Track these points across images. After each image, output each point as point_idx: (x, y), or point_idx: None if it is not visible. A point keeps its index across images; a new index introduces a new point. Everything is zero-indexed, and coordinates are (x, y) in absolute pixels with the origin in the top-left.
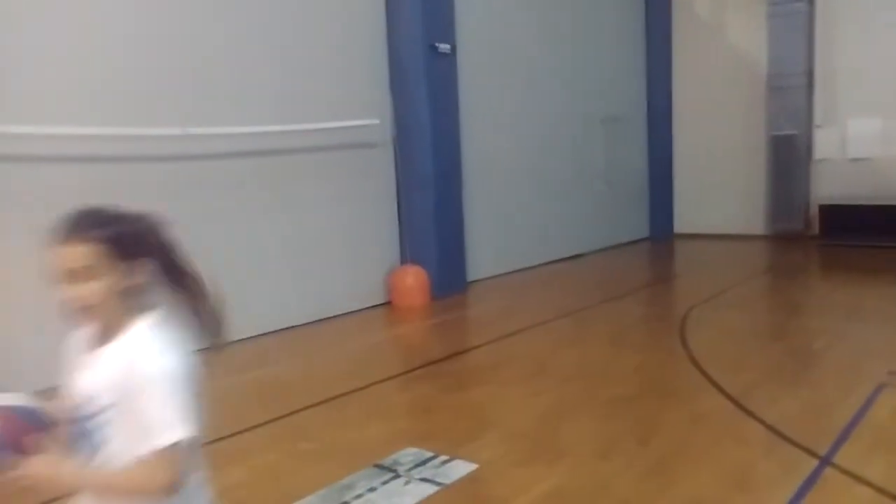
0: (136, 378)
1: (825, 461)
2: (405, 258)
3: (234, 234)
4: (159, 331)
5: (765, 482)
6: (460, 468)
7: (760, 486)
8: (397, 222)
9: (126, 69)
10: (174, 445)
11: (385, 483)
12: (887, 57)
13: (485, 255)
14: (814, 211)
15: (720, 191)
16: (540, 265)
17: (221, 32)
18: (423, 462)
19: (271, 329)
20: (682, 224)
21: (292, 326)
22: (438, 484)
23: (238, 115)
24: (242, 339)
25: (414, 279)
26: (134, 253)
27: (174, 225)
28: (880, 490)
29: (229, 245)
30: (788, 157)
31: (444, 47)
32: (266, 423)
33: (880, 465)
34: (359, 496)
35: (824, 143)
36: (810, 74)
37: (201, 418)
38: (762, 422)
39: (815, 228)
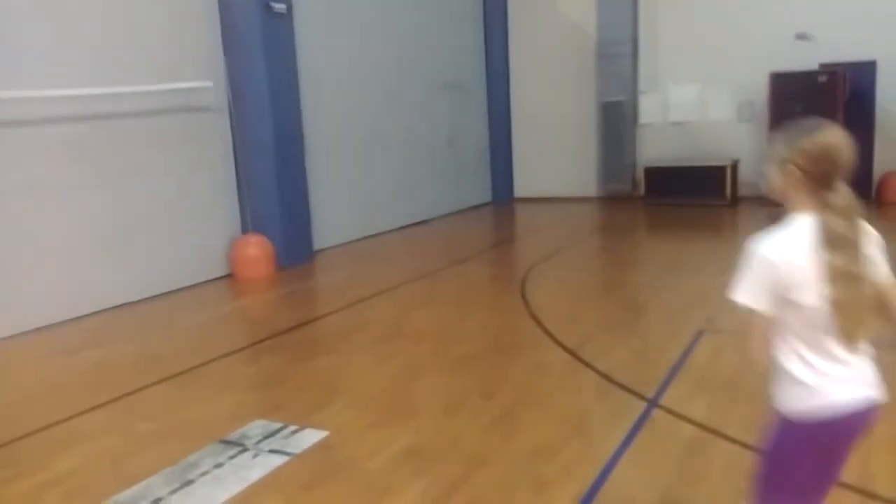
0: None
1: (653, 403)
2: (246, 227)
3: (55, 208)
4: None
5: (600, 425)
6: (311, 436)
7: (596, 430)
8: (236, 190)
9: None
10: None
11: (232, 458)
12: (704, 27)
13: (331, 223)
14: (640, 173)
15: (556, 155)
16: (387, 232)
17: None
18: (272, 434)
19: (104, 307)
20: (521, 188)
21: (127, 303)
22: (288, 454)
23: (53, 77)
24: (73, 319)
25: (257, 249)
26: None
27: None
28: (702, 427)
29: (51, 219)
30: (617, 122)
31: (279, 7)
32: (101, 405)
33: (701, 405)
34: (205, 473)
35: (648, 109)
36: (635, 43)
37: None
38: (596, 370)
39: (642, 189)
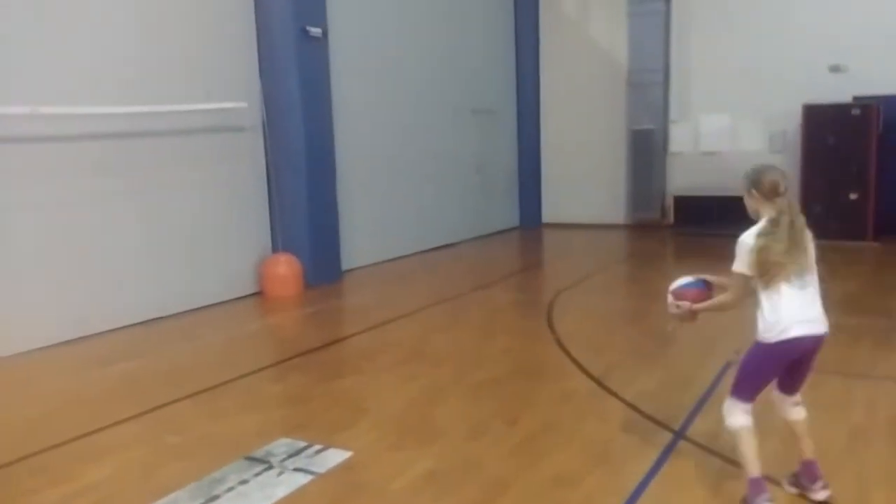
0: None
1: (679, 435)
2: (277, 246)
3: (92, 222)
4: None
5: (624, 456)
6: (335, 456)
7: (621, 460)
8: (268, 209)
9: None
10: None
11: (257, 475)
12: (737, 57)
13: (359, 244)
14: (669, 201)
15: (585, 182)
16: (414, 254)
17: (80, 9)
18: (297, 452)
19: (136, 321)
20: (549, 214)
21: (159, 318)
22: (312, 473)
23: (95, 95)
24: (106, 331)
25: (286, 268)
26: None
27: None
28: (729, 461)
29: (87, 233)
30: (647, 150)
31: (315, 31)
32: (131, 417)
33: (728, 438)
34: (230, 489)
35: (679, 138)
36: (667, 72)
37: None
38: (622, 399)
39: (671, 218)
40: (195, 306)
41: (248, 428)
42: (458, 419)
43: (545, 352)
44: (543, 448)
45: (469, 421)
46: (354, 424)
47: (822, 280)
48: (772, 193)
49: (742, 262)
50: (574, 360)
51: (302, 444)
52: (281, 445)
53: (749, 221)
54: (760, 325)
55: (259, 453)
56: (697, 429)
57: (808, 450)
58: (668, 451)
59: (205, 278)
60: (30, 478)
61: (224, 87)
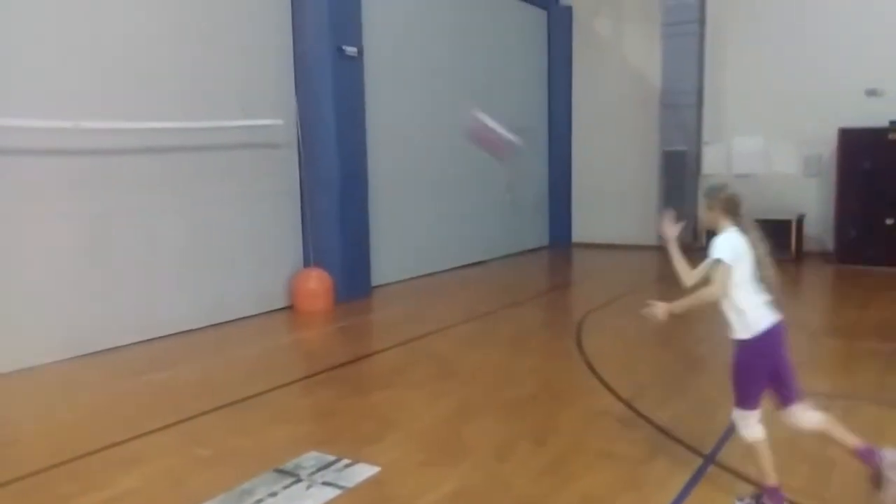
0: None
1: (710, 459)
2: (308, 261)
3: (129, 234)
4: None
5: (654, 479)
6: (363, 471)
7: (650, 484)
8: (300, 225)
9: (17, 59)
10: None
11: (286, 488)
12: (771, 79)
13: (389, 260)
14: (702, 224)
15: (615, 202)
16: (443, 271)
17: (121, 25)
18: (326, 466)
19: (169, 332)
20: (579, 233)
21: (191, 330)
22: (341, 487)
23: (134, 111)
24: (139, 342)
25: (317, 283)
26: None
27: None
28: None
29: (124, 244)
30: (679, 172)
31: (350, 50)
32: (162, 427)
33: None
34: (259, 501)
35: (711, 160)
36: (700, 93)
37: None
38: (651, 422)
39: (703, 240)
40: (228, 319)
41: (277, 441)
42: (486, 437)
43: (574, 372)
44: (572, 469)
45: (498, 440)
46: (383, 440)
47: (860, 307)
48: (735, 210)
49: (727, 252)
50: (603, 382)
51: (331, 458)
52: (310, 459)
53: (779, 246)
54: (737, 326)
55: (288, 466)
56: (728, 454)
57: (852, 440)
58: (699, 476)
59: (238, 292)
60: (64, 484)
61: (261, 105)
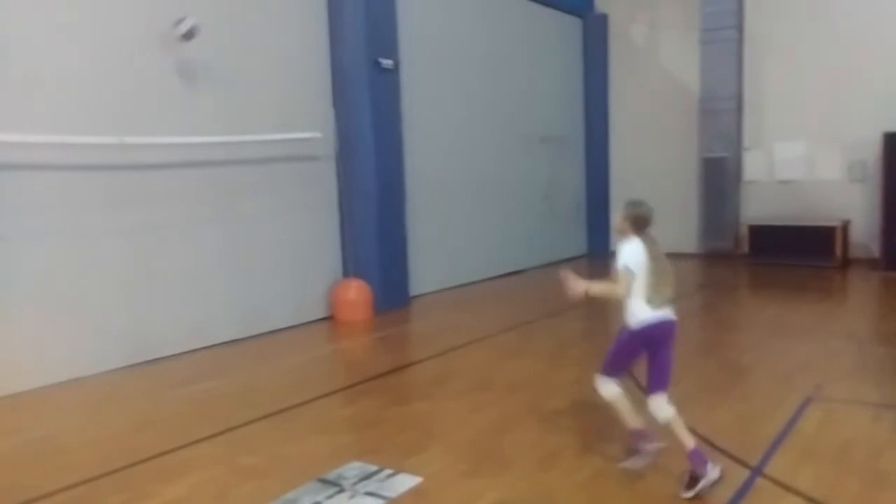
0: None
1: (757, 471)
2: (348, 272)
3: (173, 246)
4: None
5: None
6: (405, 481)
7: (695, 496)
8: (340, 236)
9: (63, 76)
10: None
11: (330, 497)
12: (813, 83)
13: (427, 270)
14: (743, 230)
15: (654, 210)
16: (482, 281)
17: (162, 42)
18: (368, 476)
19: (212, 343)
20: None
21: (234, 340)
22: (384, 497)
23: (177, 126)
24: (183, 353)
25: (356, 293)
26: None
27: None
28: (809, 499)
29: (168, 257)
30: (719, 178)
31: (387, 63)
32: (208, 437)
33: (809, 475)
34: None
35: (753, 166)
36: (740, 99)
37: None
38: (696, 433)
39: (745, 247)
40: (270, 329)
41: (320, 450)
42: (528, 449)
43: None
44: (615, 481)
45: (540, 451)
46: (425, 450)
47: None
48: (641, 226)
49: (631, 260)
50: (645, 391)
51: (373, 468)
52: (353, 469)
53: (824, 253)
54: (627, 316)
55: (331, 476)
56: (776, 466)
57: (689, 441)
58: (746, 488)
59: (279, 302)
60: (112, 493)
61: (300, 118)
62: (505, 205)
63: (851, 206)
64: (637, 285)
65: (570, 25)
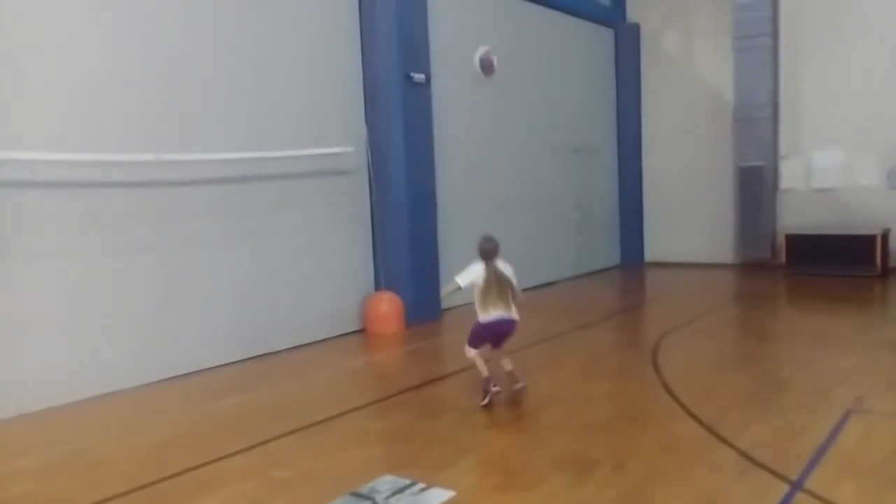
0: None
1: (797, 486)
2: (380, 285)
3: (208, 260)
4: None
5: None
6: (438, 496)
7: None
8: (372, 249)
9: (100, 95)
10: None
11: None
12: (848, 90)
13: None
14: (780, 240)
15: (689, 220)
16: None
17: (197, 59)
18: (401, 489)
19: (246, 356)
20: (652, 252)
21: (267, 353)
22: None
23: (212, 142)
24: (216, 366)
25: (388, 306)
26: None
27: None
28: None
29: (202, 271)
30: (755, 187)
31: (418, 77)
32: (241, 450)
33: (850, 490)
34: None
35: (789, 174)
36: (775, 107)
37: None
38: (734, 447)
39: (782, 257)
40: (302, 342)
41: (352, 464)
42: (563, 462)
43: (652, 396)
44: (652, 496)
45: (574, 465)
46: (457, 463)
47: None
48: (482, 255)
49: (467, 278)
50: (682, 405)
51: (406, 481)
52: (385, 482)
53: (863, 262)
54: (477, 314)
55: (364, 489)
56: (816, 480)
57: (510, 367)
58: (786, 503)
59: (312, 316)
60: None
61: (332, 133)
62: (536, 216)
63: (891, 215)
64: (476, 295)
65: (601, 36)
